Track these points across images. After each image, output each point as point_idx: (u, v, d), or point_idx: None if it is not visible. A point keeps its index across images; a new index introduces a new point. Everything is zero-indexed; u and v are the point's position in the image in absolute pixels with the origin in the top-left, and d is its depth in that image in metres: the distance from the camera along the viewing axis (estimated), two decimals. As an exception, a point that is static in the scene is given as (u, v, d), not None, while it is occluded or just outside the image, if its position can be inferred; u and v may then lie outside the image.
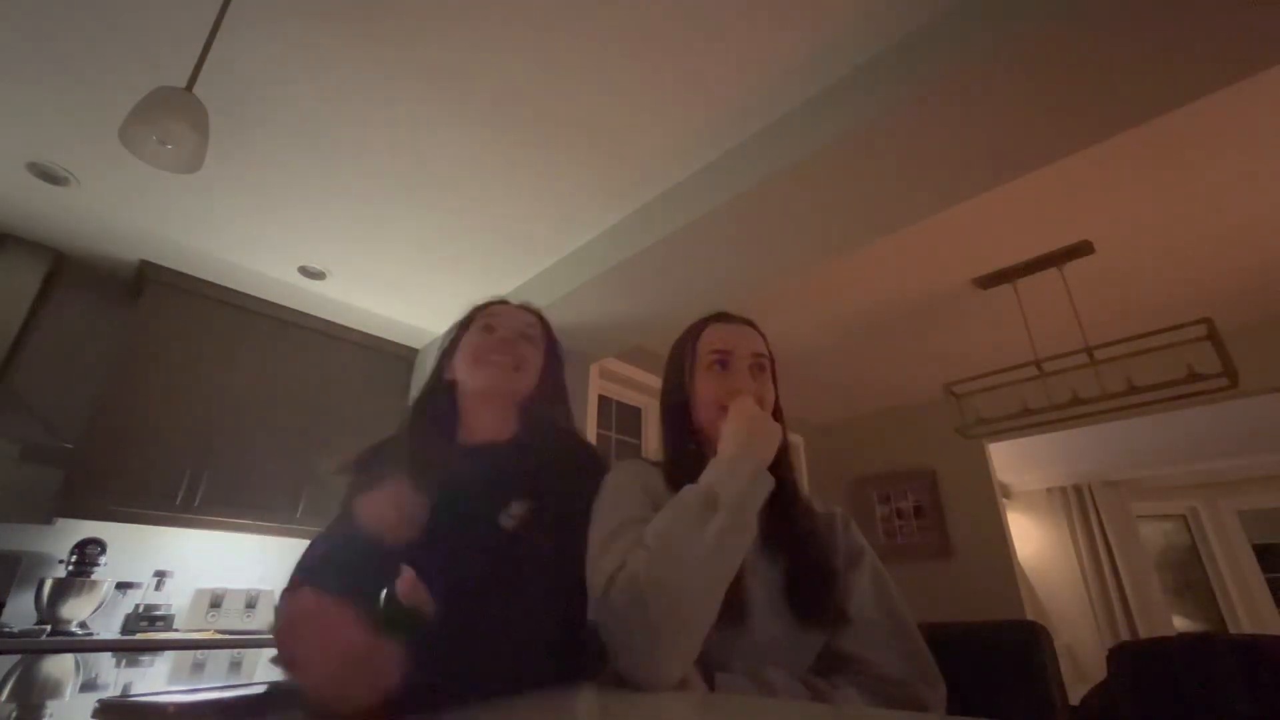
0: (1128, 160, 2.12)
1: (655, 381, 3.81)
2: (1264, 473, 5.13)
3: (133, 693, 0.72)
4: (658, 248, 2.22)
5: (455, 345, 0.95)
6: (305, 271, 2.70)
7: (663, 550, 0.62)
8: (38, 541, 2.28)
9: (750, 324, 0.90)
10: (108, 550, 2.29)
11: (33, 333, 2.41)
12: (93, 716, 0.45)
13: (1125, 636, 4.62)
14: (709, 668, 0.65)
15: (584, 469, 0.84)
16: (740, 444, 0.71)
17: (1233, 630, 4.86)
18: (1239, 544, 5.20)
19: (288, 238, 2.47)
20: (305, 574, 0.81)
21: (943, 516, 4.11)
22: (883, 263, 2.73)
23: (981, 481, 4.04)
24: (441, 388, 0.94)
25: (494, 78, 1.74)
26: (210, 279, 2.74)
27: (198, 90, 1.27)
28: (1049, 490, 5.50)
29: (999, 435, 3.63)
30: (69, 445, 2.23)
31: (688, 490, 0.68)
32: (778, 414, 0.85)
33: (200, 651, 1.98)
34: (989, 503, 3.97)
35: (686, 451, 0.82)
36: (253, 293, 2.85)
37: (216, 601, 2.51)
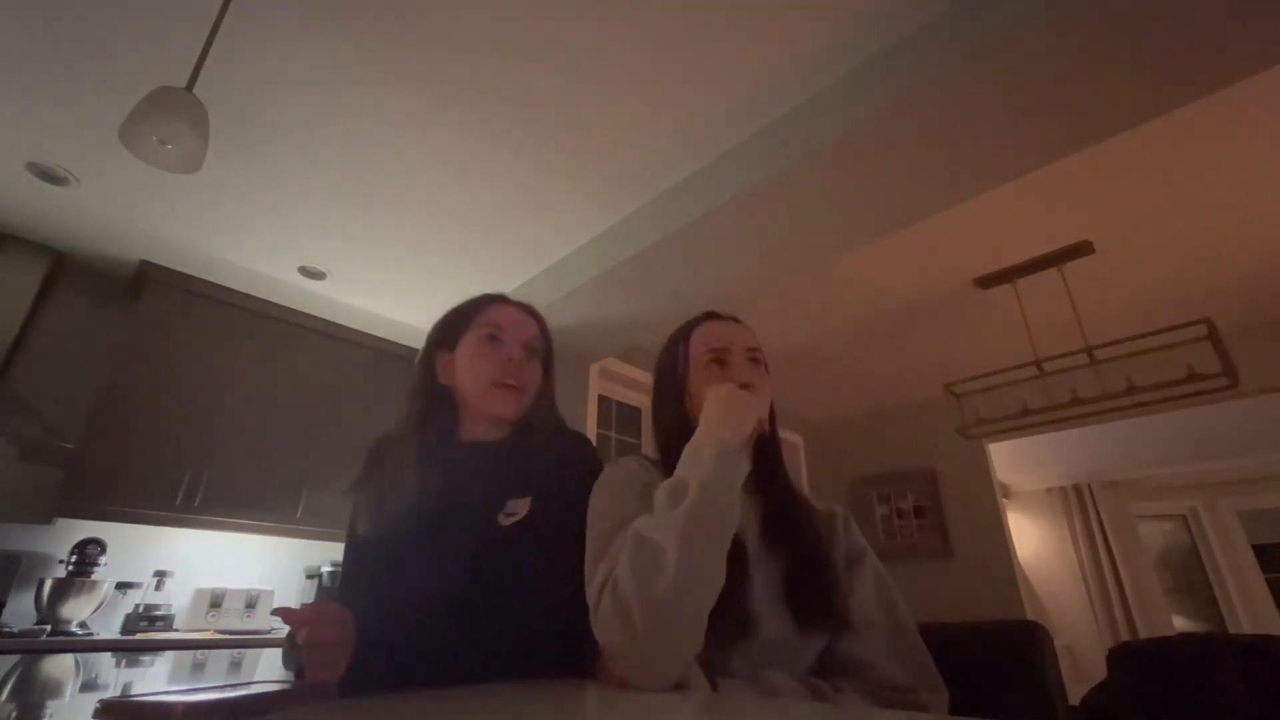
0: (1128, 160, 2.12)
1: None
2: (1264, 473, 5.13)
3: (133, 693, 0.72)
4: (658, 248, 2.22)
5: (454, 342, 0.91)
6: (305, 271, 2.70)
7: (637, 548, 0.62)
8: (38, 541, 2.28)
9: (738, 320, 0.89)
10: (108, 550, 2.29)
11: (33, 333, 2.41)
12: (94, 717, 0.45)
13: (1125, 636, 4.62)
14: (710, 670, 0.65)
15: (579, 465, 0.84)
16: (708, 428, 0.70)
17: (1233, 630, 4.86)
18: (1239, 544, 5.20)
19: (288, 238, 2.47)
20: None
21: (943, 516, 4.11)
22: (883, 263, 2.73)
23: (981, 481, 4.04)
24: (439, 391, 0.90)
25: (495, 79, 1.74)
26: (210, 279, 2.74)
27: (198, 90, 1.27)
28: (1049, 490, 5.50)
29: (999, 435, 3.63)
30: (69, 445, 2.23)
31: (661, 485, 0.67)
32: (771, 410, 0.84)
33: (200, 651, 1.98)
34: (989, 503, 3.97)
35: (683, 444, 0.82)
36: (253, 293, 2.85)
37: (216, 601, 2.51)
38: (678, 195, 2.15)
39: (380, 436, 0.93)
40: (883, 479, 4.45)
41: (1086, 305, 2.90)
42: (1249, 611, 4.93)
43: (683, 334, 0.89)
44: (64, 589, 2.10)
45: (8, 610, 2.10)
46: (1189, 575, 5.32)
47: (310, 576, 2.81)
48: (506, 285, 2.78)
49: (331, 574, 2.74)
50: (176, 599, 2.46)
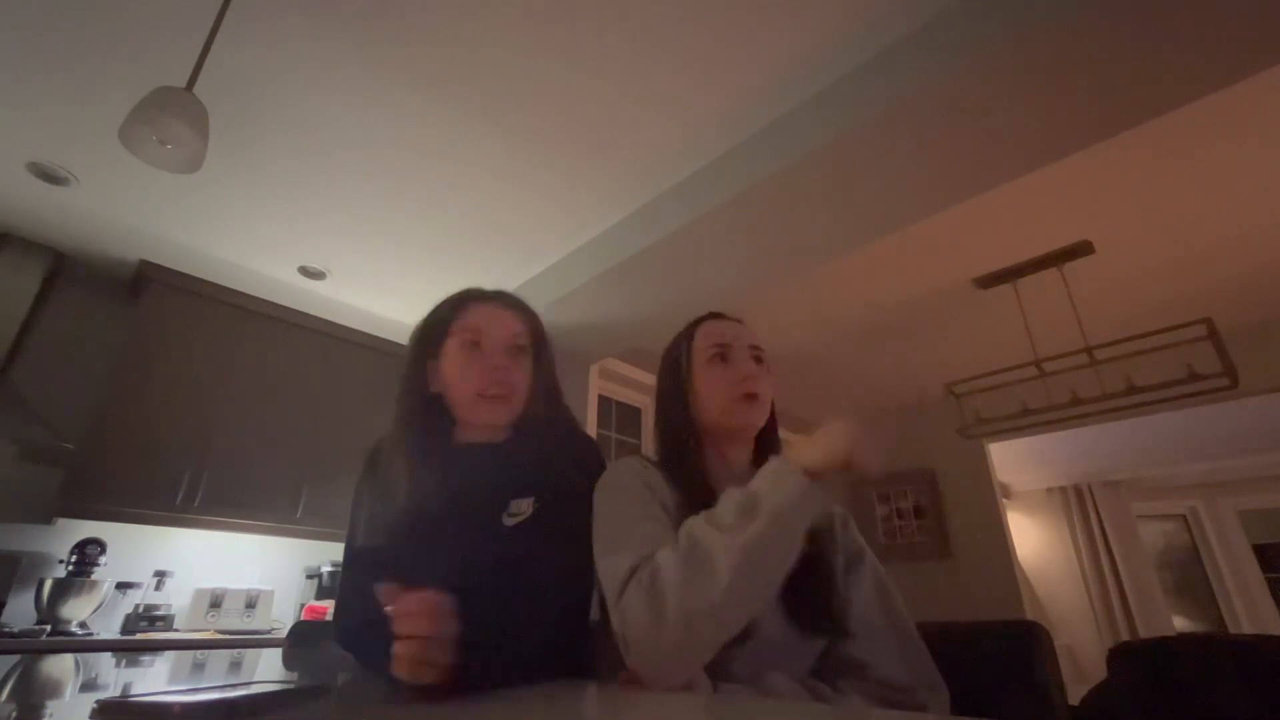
0: (1128, 160, 2.12)
1: (655, 381, 3.81)
2: (1264, 473, 5.13)
3: (132, 693, 0.72)
4: (658, 248, 2.22)
5: (437, 350, 0.86)
6: (305, 271, 2.70)
7: (691, 551, 0.61)
8: (38, 541, 2.28)
9: (741, 322, 0.90)
10: (108, 550, 2.29)
11: (33, 333, 2.41)
12: (92, 717, 0.45)
13: (1125, 636, 4.62)
14: (711, 673, 0.65)
15: (583, 463, 0.84)
16: (812, 453, 0.65)
17: (1233, 630, 4.86)
18: (1239, 544, 5.20)
19: (288, 238, 2.47)
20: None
21: (943, 516, 4.11)
22: (883, 262, 2.73)
23: (981, 481, 4.04)
24: (430, 398, 0.86)
25: (495, 78, 1.74)
26: (210, 279, 2.74)
27: (198, 90, 1.27)
28: (1049, 490, 5.50)
29: (999, 435, 3.63)
30: (69, 445, 2.23)
31: (731, 492, 0.65)
32: (772, 411, 0.85)
33: (200, 651, 1.98)
34: (989, 503, 3.97)
35: (687, 449, 0.81)
36: (252, 293, 2.85)
37: (216, 601, 2.51)
38: (678, 195, 2.15)
39: (382, 438, 0.92)
40: (883, 479, 4.45)
41: (1086, 305, 2.90)
42: (1249, 611, 4.93)
43: (686, 333, 0.90)
44: (64, 589, 2.10)
45: (8, 610, 2.10)
46: (1189, 575, 5.32)
47: (310, 576, 2.81)
48: (507, 285, 2.75)
49: (331, 574, 2.74)
50: (176, 599, 2.46)
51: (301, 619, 2.61)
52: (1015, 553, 3.90)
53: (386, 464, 0.85)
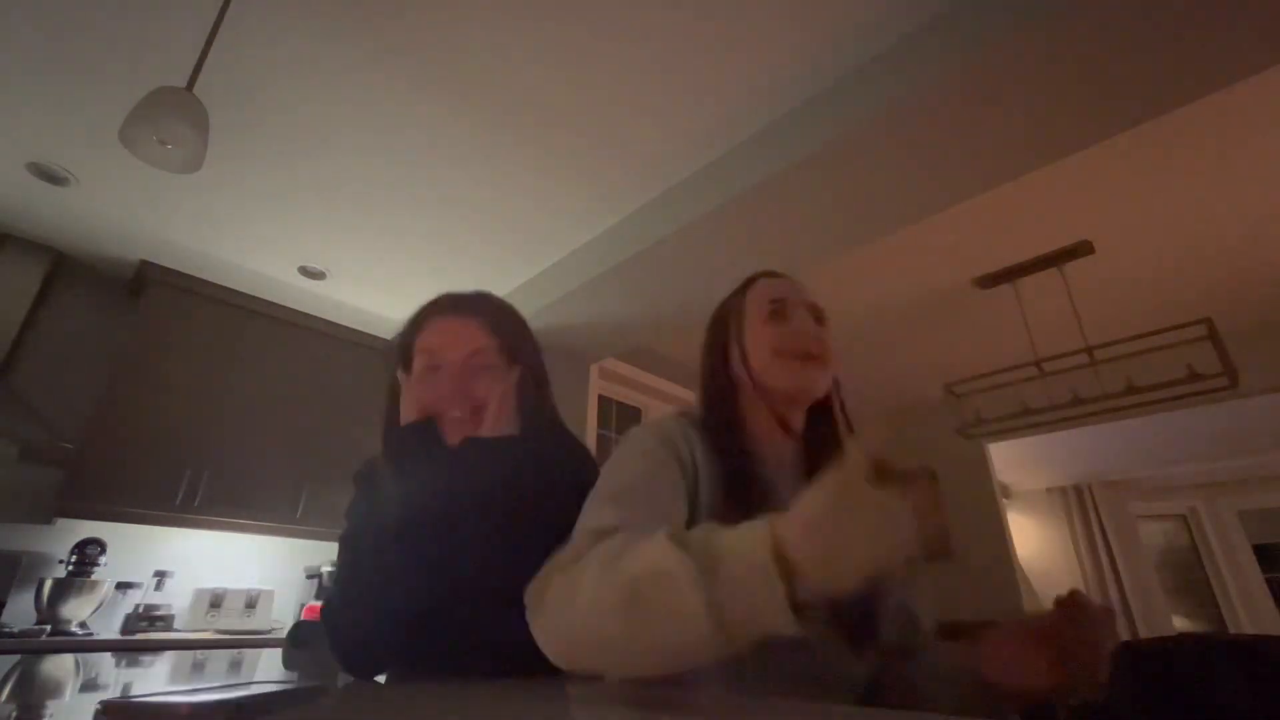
0: (1128, 160, 2.12)
1: (655, 381, 3.82)
2: (1264, 473, 5.14)
3: (133, 693, 0.72)
4: (658, 248, 2.22)
5: (409, 370, 0.83)
6: (305, 271, 2.70)
7: (605, 581, 0.48)
8: (38, 541, 2.28)
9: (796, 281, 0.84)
10: (108, 550, 2.29)
11: (33, 333, 2.42)
12: (96, 718, 0.45)
13: (1125, 636, 4.62)
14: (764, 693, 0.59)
15: (568, 464, 0.83)
16: (801, 538, 0.41)
17: (1233, 630, 4.86)
18: (1239, 544, 5.20)
19: (288, 238, 2.47)
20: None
21: (943, 517, 4.11)
22: (883, 262, 2.73)
23: (981, 481, 4.04)
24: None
25: (495, 79, 1.74)
26: (210, 279, 2.74)
27: (198, 90, 1.27)
28: (1049, 490, 5.50)
29: (999, 435, 3.62)
30: (69, 445, 2.23)
31: (699, 535, 0.47)
32: (835, 382, 0.77)
33: (200, 652, 1.98)
34: (989, 503, 3.97)
35: (731, 409, 0.75)
36: (253, 293, 2.85)
37: (216, 601, 2.51)
38: (678, 195, 2.15)
39: (371, 459, 0.91)
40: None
41: (1086, 305, 2.90)
42: (1249, 611, 4.93)
43: (739, 290, 0.84)
44: (64, 589, 2.10)
45: (8, 610, 2.10)
46: (1189, 575, 5.32)
47: (310, 576, 2.81)
48: (507, 285, 2.78)
49: (331, 574, 2.74)
50: (176, 599, 2.46)
51: (301, 619, 2.61)
52: (1015, 553, 3.90)
53: (378, 463, 0.84)
